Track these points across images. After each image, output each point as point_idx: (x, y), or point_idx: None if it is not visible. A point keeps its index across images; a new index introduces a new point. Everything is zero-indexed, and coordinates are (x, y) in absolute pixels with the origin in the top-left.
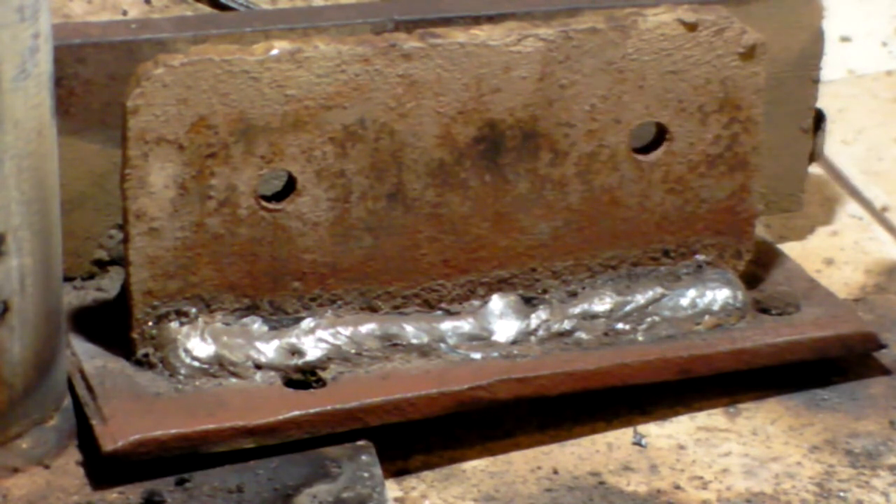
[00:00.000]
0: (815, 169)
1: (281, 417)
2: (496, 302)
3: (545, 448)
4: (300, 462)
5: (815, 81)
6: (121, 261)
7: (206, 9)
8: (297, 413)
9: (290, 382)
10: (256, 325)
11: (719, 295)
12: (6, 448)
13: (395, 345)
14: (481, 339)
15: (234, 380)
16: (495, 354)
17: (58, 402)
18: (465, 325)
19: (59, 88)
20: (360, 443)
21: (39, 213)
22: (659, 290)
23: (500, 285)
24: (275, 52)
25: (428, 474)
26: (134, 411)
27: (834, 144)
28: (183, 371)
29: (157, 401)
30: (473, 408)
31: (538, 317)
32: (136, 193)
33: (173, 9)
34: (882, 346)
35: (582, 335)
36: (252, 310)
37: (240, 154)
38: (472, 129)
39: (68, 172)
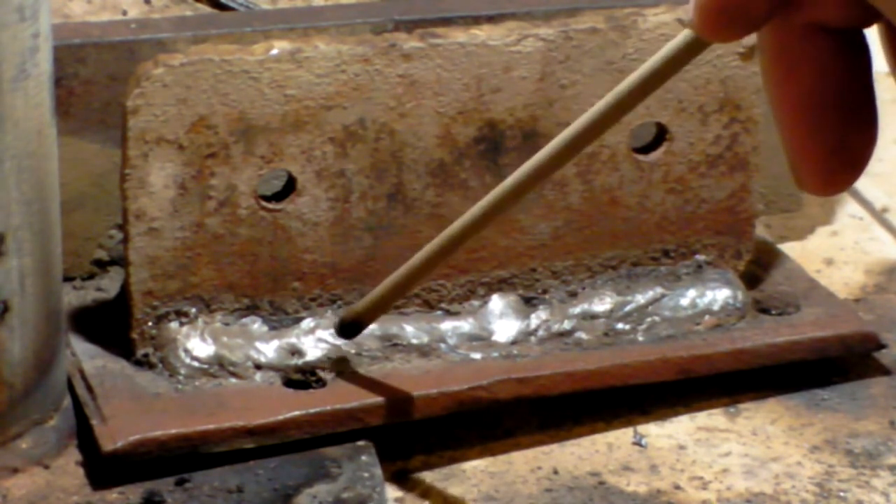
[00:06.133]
0: None
1: (281, 417)
2: (496, 302)
3: (545, 448)
4: (300, 462)
5: None
6: (121, 261)
7: (206, 9)
8: (297, 413)
9: (290, 382)
10: (256, 325)
11: (719, 295)
12: (6, 448)
13: (395, 345)
14: (481, 339)
15: (234, 380)
16: (495, 354)
17: (58, 402)
18: (465, 325)
19: (59, 88)
20: (360, 443)
21: (39, 213)
22: (659, 290)
23: (500, 285)
24: (275, 52)
25: (428, 474)
26: (134, 411)
27: None
28: (183, 371)
29: (156, 401)
30: (473, 408)
31: (538, 317)
32: (136, 193)
33: (173, 9)
34: (882, 346)
35: (582, 335)
36: (252, 310)
37: (240, 154)
38: (472, 129)
39: (68, 172)
